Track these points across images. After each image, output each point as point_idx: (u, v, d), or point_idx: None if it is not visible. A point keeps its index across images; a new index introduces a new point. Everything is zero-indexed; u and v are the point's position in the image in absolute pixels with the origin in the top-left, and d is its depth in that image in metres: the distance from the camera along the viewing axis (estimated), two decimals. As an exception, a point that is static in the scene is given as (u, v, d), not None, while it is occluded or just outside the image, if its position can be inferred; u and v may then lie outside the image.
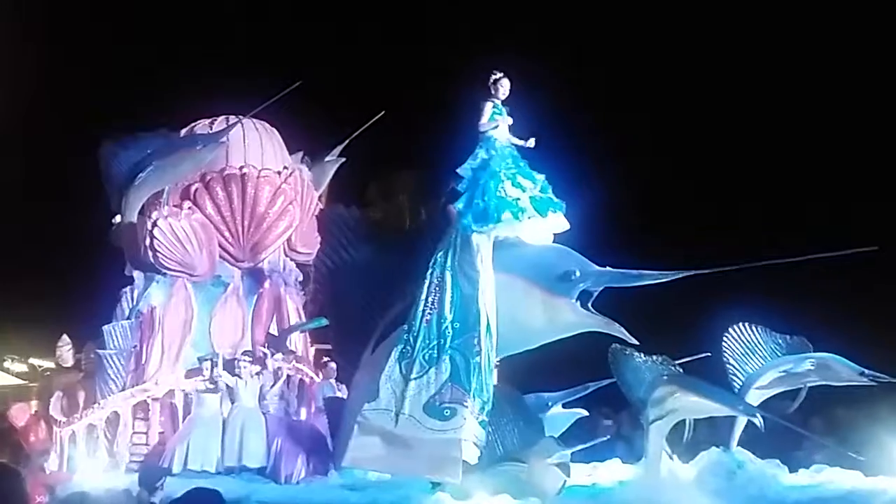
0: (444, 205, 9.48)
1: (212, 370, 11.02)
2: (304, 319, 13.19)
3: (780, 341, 8.28)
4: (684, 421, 7.65)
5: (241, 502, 8.45)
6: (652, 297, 8.58)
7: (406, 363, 8.65)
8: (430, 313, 8.75)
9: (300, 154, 14.05)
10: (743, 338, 8.29)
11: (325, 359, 12.08)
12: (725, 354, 8.24)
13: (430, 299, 8.82)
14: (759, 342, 8.29)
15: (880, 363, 7.77)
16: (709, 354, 8.58)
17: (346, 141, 14.18)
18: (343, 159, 14.22)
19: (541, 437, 7.87)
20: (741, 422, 8.08)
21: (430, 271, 8.93)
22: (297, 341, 12.82)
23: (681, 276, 7.87)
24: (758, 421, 7.44)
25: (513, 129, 9.18)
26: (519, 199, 8.73)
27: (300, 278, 13.48)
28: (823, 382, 8.08)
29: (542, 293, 8.51)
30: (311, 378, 12.15)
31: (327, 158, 14.24)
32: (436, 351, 8.53)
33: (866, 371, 7.74)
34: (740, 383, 8.09)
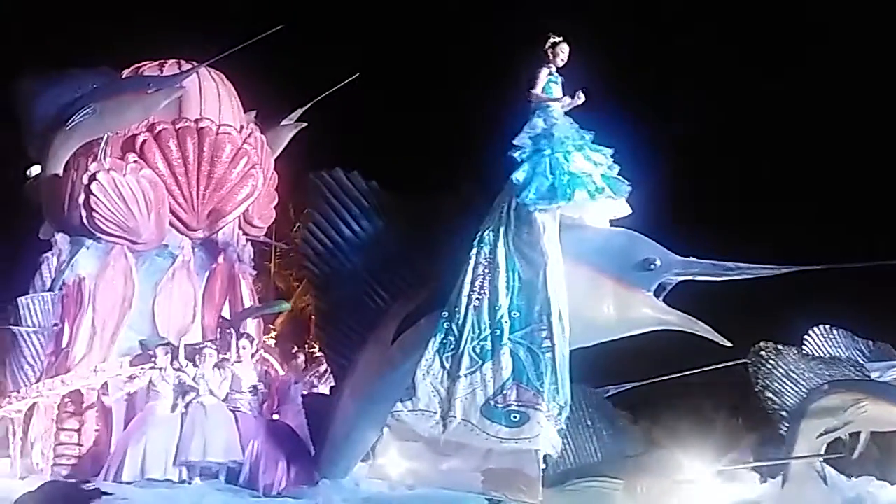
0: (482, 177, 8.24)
1: (171, 359, 9.09)
2: (256, 302, 11.49)
3: (863, 347, 7.69)
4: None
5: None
6: (713, 292, 7.72)
7: (449, 357, 7.29)
8: (478, 299, 7.43)
9: (252, 114, 12.29)
10: (825, 342, 7.63)
11: (294, 349, 10.42)
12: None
13: (476, 283, 7.49)
14: (841, 347, 7.65)
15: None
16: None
17: (310, 103, 12.59)
18: (304, 124, 12.61)
19: (630, 447, 6.76)
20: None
21: (475, 251, 7.61)
22: (251, 328, 11.07)
23: (784, 271, 7.06)
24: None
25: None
26: (591, 174, 7.60)
27: (252, 255, 11.75)
28: (912, 394, 7.57)
29: (613, 283, 7.39)
30: (277, 371, 10.46)
31: (284, 122, 12.58)
32: (489, 342, 7.22)
33: (959, 384, 7.28)
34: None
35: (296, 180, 12.10)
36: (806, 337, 7.67)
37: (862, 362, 7.59)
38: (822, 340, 7.68)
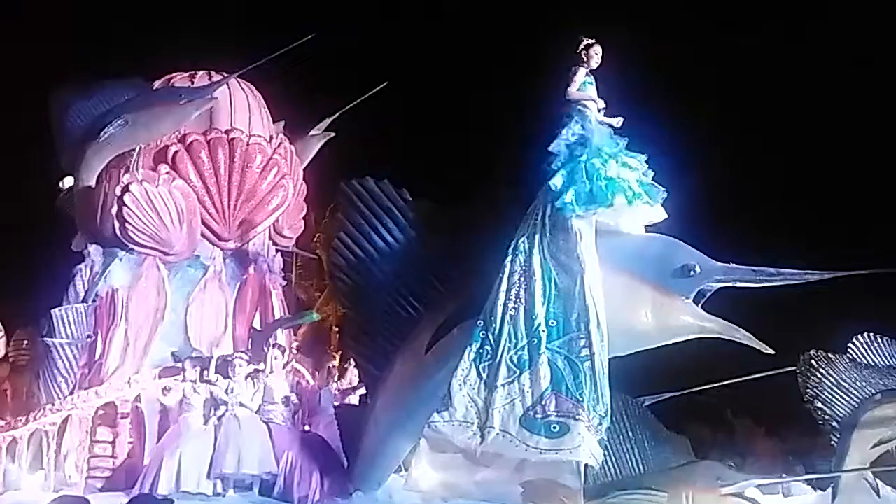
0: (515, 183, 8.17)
1: (201, 372, 9.07)
2: (287, 312, 11.45)
3: (911, 356, 7.50)
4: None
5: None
6: (748, 299, 7.56)
7: (486, 366, 7.20)
8: (514, 308, 7.33)
9: (281, 124, 12.29)
10: (869, 350, 7.45)
11: (332, 362, 10.37)
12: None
13: (512, 291, 7.40)
14: (886, 355, 7.46)
15: None
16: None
17: (338, 113, 12.56)
18: (332, 134, 12.58)
19: (675, 458, 6.63)
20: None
21: (510, 259, 7.52)
22: (281, 339, 11.03)
23: (826, 277, 6.90)
24: None
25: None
26: (628, 180, 7.50)
27: (282, 266, 11.74)
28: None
29: (651, 291, 7.27)
30: (308, 381, 10.41)
31: (312, 132, 12.56)
32: (526, 352, 7.12)
33: None
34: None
35: (319, 190, 12.12)
36: (850, 345, 7.50)
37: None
38: (866, 349, 7.49)
